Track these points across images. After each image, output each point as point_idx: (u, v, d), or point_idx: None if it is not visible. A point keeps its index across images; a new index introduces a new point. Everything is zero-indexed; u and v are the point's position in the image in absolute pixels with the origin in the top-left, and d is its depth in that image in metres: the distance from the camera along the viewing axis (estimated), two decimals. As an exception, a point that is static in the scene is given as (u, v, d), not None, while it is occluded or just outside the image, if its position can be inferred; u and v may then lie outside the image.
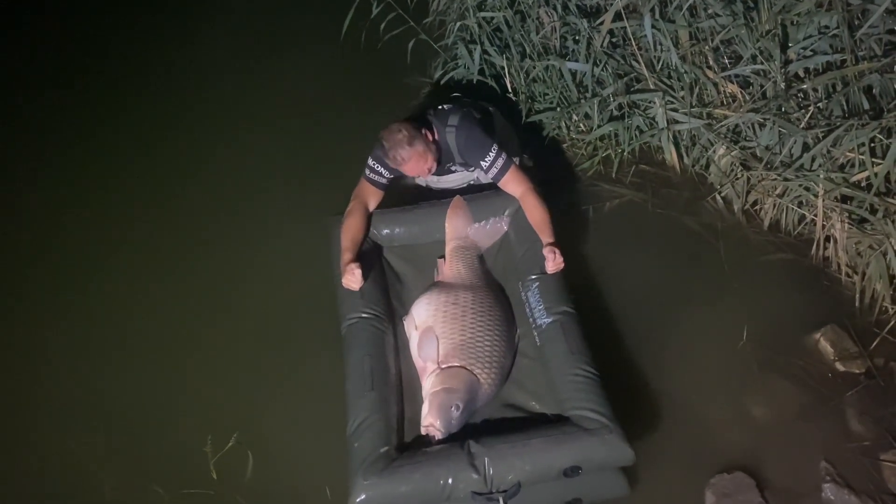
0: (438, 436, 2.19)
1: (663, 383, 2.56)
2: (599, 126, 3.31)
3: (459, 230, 2.79)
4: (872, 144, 2.61)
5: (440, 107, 2.82)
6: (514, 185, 2.77)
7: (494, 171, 2.73)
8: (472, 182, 3.00)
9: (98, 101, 4.09)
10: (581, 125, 3.42)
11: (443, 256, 2.77)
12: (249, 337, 2.84)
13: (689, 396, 2.53)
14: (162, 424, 2.60)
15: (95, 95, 4.15)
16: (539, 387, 2.38)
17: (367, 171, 2.76)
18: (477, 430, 2.24)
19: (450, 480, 2.06)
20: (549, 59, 3.25)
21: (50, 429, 2.63)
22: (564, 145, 3.45)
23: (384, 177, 2.75)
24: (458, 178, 2.98)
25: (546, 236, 2.65)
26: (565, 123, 3.42)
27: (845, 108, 2.69)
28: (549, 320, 2.47)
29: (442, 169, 2.86)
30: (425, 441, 2.21)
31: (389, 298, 2.65)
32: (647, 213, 3.16)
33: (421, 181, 3.01)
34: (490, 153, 2.72)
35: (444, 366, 2.33)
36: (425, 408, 2.24)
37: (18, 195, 3.60)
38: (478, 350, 2.38)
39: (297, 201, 3.32)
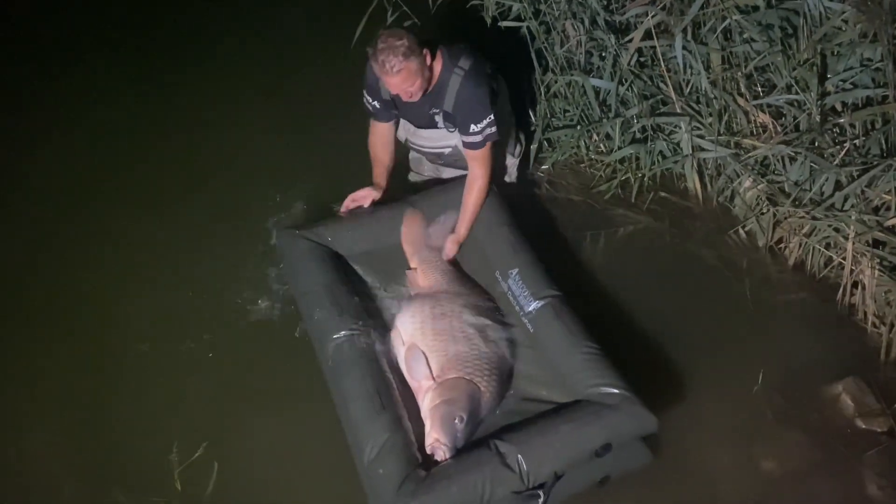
0: (444, 452, 2.08)
1: (667, 424, 2.36)
2: (620, 148, 3.16)
3: (418, 241, 2.70)
4: (912, 188, 2.45)
5: (454, 45, 2.64)
6: (479, 163, 2.68)
7: (477, 138, 2.62)
8: (446, 150, 2.85)
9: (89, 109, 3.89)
10: (601, 146, 3.28)
11: (410, 269, 2.67)
12: (229, 348, 2.71)
13: (694, 441, 2.38)
14: (129, 429, 2.49)
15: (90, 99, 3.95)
16: (543, 373, 2.35)
17: (364, 103, 2.77)
18: (497, 429, 2.18)
19: (487, 485, 2.00)
20: (572, 75, 3.11)
21: (11, 426, 2.54)
22: (582, 165, 3.31)
23: (372, 104, 2.74)
24: (435, 136, 2.81)
25: (463, 227, 2.69)
26: (585, 143, 3.28)
27: (884, 147, 2.52)
28: (539, 305, 2.44)
29: (425, 114, 2.70)
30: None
31: (368, 310, 2.52)
32: (665, 242, 3.01)
33: (402, 133, 2.90)
34: (485, 119, 2.60)
35: (440, 380, 2.23)
36: (427, 425, 2.16)
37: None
38: (473, 358, 2.29)
39: (289, 210, 3.19)
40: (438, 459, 2.08)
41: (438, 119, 2.71)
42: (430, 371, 2.27)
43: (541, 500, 2.05)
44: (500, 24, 3.21)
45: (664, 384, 2.50)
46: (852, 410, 2.44)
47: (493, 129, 2.63)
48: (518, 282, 2.51)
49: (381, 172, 2.84)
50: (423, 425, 2.19)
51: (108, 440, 2.46)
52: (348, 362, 2.30)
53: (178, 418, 2.50)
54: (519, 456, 2.03)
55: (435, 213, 2.77)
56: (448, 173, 3.01)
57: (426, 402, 2.21)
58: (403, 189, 2.97)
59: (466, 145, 2.66)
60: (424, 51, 2.46)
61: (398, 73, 2.40)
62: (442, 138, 2.81)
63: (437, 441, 2.09)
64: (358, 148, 2.92)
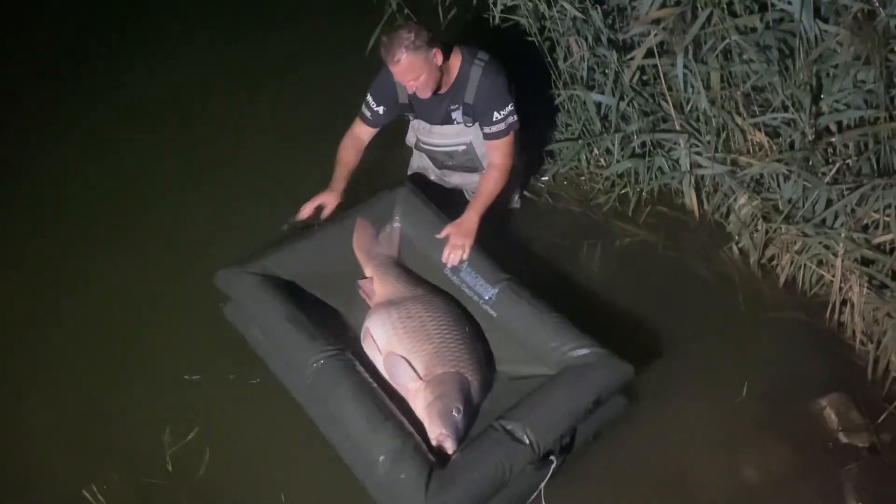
0: (451, 444, 2.13)
1: (651, 427, 2.45)
2: (619, 162, 3.22)
3: (371, 249, 2.74)
4: (900, 207, 2.49)
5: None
6: (501, 153, 2.72)
7: (501, 127, 2.66)
8: (459, 147, 2.86)
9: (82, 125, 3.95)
10: (602, 160, 3.33)
11: (363, 279, 2.69)
12: (228, 340, 2.72)
13: (677, 445, 2.41)
14: (124, 410, 2.55)
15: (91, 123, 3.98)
16: (518, 352, 2.45)
17: (363, 106, 2.78)
18: (496, 412, 2.23)
19: (506, 463, 2.08)
20: (574, 89, 3.18)
21: (11, 406, 2.61)
22: (582, 178, 3.36)
23: (374, 109, 2.76)
24: (450, 132, 2.83)
25: (474, 209, 2.67)
26: (585, 156, 3.34)
27: (875, 166, 2.56)
28: (497, 290, 2.53)
29: (443, 110, 2.74)
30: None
31: (335, 328, 2.54)
32: (659, 255, 3.05)
33: (411, 136, 2.95)
34: (507, 107, 2.65)
35: (428, 378, 2.27)
36: (427, 423, 2.19)
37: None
38: (453, 350, 2.35)
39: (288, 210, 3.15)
40: (448, 452, 2.13)
41: (456, 115, 2.75)
42: (416, 372, 2.31)
43: (555, 464, 2.16)
44: (506, 29, 3.28)
45: (650, 388, 2.53)
46: (836, 424, 2.45)
47: (515, 117, 2.68)
48: (470, 273, 2.59)
49: (343, 176, 2.80)
50: (422, 426, 2.22)
51: (103, 420, 2.52)
52: (333, 383, 2.26)
53: (172, 403, 2.54)
54: (527, 429, 2.11)
55: (381, 221, 2.80)
56: (455, 179, 3.04)
57: (420, 402, 2.24)
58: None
59: (489, 136, 2.70)
60: (434, 50, 2.52)
61: (398, 64, 2.47)
62: (457, 135, 2.84)
63: (441, 435, 2.13)
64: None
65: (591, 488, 2.32)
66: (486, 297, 2.53)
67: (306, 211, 2.76)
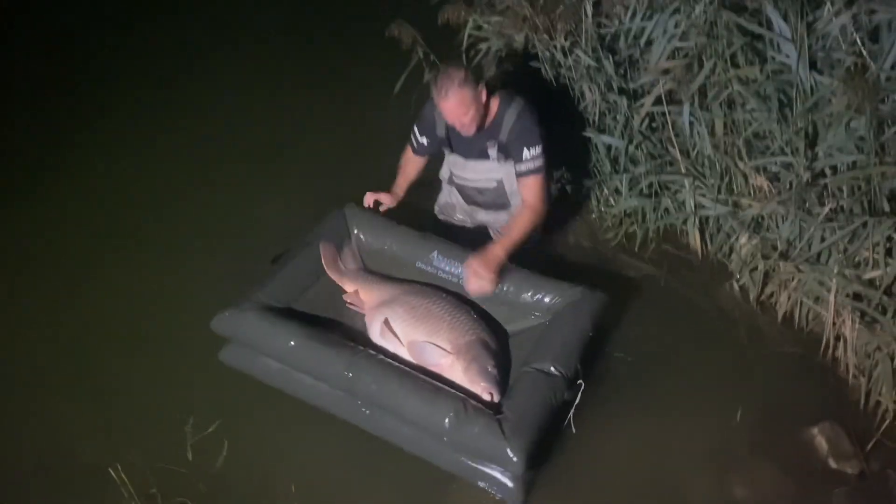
0: (497, 396, 2.39)
1: (645, 445, 2.54)
2: (627, 200, 3.38)
3: (340, 267, 2.93)
4: (889, 245, 2.62)
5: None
6: (531, 192, 2.88)
7: (530, 166, 2.84)
8: (491, 184, 3.01)
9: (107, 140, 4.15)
10: (611, 199, 3.50)
11: (347, 294, 2.87)
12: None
13: (670, 463, 2.49)
14: (150, 396, 2.71)
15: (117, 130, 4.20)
16: (508, 312, 2.80)
17: (411, 135, 3.02)
18: (516, 363, 2.59)
19: (550, 394, 2.42)
20: (586, 132, 3.38)
21: (35, 390, 2.78)
22: (592, 215, 3.53)
23: (419, 140, 3.00)
24: (484, 169, 2.98)
25: (500, 246, 2.77)
26: (595, 195, 3.52)
27: (866, 207, 2.70)
28: None
29: (479, 146, 2.90)
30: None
31: (348, 335, 2.70)
32: (661, 289, 3.18)
33: (445, 170, 3.13)
34: (537, 146, 2.83)
35: (456, 350, 2.49)
36: (471, 387, 2.43)
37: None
38: (464, 321, 2.62)
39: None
40: (497, 404, 2.37)
41: (492, 152, 2.92)
42: (443, 350, 2.51)
43: (581, 388, 2.50)
44: (523, 76, 3.50)
45: (647, 408, 2.64)
46: (826, 451, 2.52)
47: (544, 158, 2.85)
48: (443, 259, 2.87)
49: (403, 185, 3.12)
50: (466, 391, 2.42)
51: (129, 410, 2.67)
52: (376, 379, 2.41)
53: (196, 394, 2.69)
54: (555, 364, 2.48)
55: (339, 239, 3.01)
56: (483, 216, 3.19)
57: (458, 371, 2.47)
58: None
59: (521, 173, 2.87)
60: (480, 85, 2.73)
61: (451, 99, 2.66)
62: (490, 171, 2.98)
63: (487, 390, 2.39)
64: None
65: (583, 494, 2.42)
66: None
67: (367, 201, 3.08)
